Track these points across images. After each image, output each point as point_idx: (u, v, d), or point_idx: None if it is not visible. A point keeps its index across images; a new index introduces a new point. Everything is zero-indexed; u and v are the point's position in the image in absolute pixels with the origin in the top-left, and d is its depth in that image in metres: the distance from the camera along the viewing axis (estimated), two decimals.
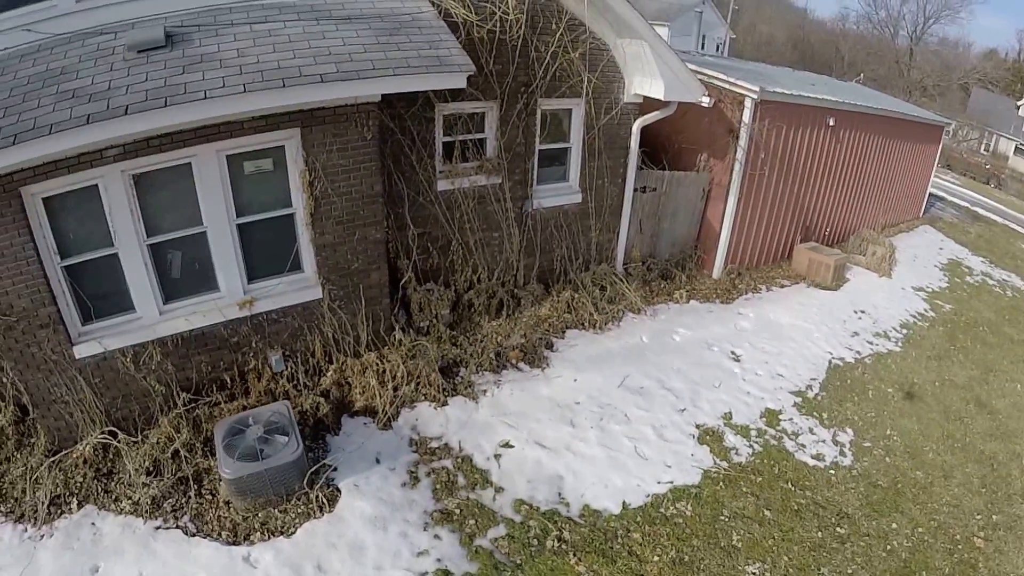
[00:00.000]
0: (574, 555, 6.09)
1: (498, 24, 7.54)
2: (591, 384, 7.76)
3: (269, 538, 6.20)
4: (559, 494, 6.46)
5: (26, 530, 6.87)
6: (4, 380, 7.68)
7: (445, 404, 7.42)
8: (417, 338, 7.89)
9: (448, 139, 8.14)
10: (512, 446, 6.86)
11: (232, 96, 5.92)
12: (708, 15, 50.56)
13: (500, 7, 7.48)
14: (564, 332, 8.68)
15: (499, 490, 6.43)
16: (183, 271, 7.18)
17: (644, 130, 9.64)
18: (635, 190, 9.99)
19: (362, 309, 7.61)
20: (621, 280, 9.70)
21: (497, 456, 6.76)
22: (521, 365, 8.04)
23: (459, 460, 6.76)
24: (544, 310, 8.88)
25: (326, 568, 5.86)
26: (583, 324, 8.93)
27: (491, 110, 8.10)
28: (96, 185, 6.39)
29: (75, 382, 7.16)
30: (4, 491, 7.32)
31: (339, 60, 6.32)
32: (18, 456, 7.55)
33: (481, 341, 8.26)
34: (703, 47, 49.33)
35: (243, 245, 7.07)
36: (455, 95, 7.52)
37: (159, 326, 7.08)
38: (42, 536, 6.75)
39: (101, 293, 7.03)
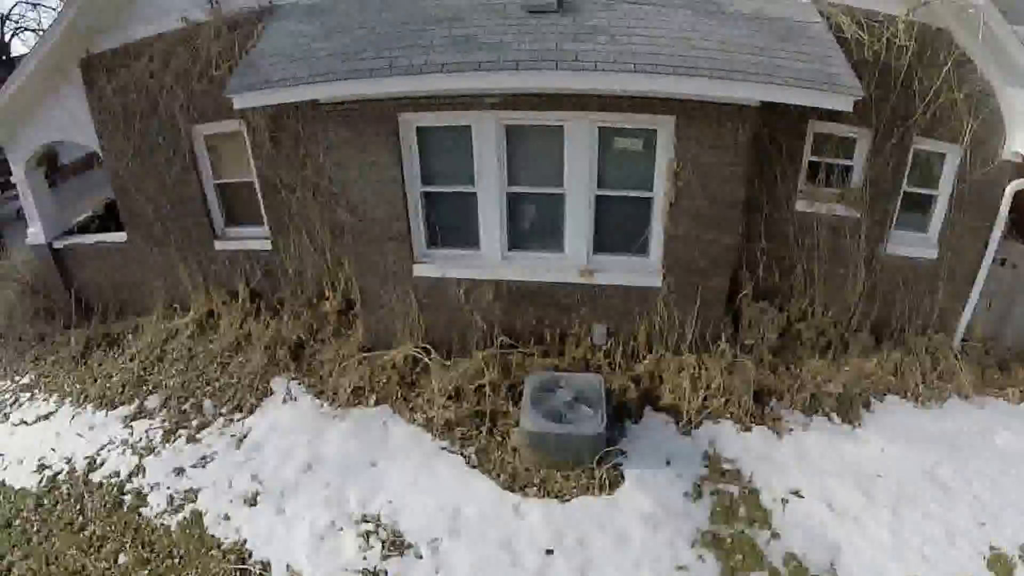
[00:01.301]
0: None
1: (883, 47, 6.92)
2: (898, 460, 6.85)
3: (543, 497, 6.25)
4: (832, 564, 5.79)
5: (322, 406, 7.65)
6: (340, 275, 8.61)
7: (748, 429, 7.02)
8: (739, 354, 7.53)
9: (814, 159, 7.63)
10: (802, 496, 6.35)
11: (620, 73, 5.96)
12: None
13: (889, 29, 6.86)
14: (884, 395, 7.79)
15: (775, 536, 5.96)
16: (533, 225, 7.46)
17: (1017, 194, 8.30)
18: (993, 260, 8.68)
19: (695, 310, 7.38)
20: (956, 357, 8.48)
21: (784, 501, 6.26)
22: (833, 416, 7.42)
23: (745, 491, 6.37)
24: (870, 365, 8.00)
25: (587, 545, 5.78)
26: (905, 392, 7.93)
27: (863, 138, 7.44)
28: (469, 127, 6.82)
29: (407, 296, 7.77)
30: (313, 367, 8.20)
31: (721, 57, 6.12)
32: (333, 342, 8.43)
33: (799, 377, 7.67)
34: None
35: (596, 216, 7.16)
36: (831, 115, 6.96)
37: (499, 269, 7.44)
38: (335, 417, 7.46)
39: (450, 225, 7.54)
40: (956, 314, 8.56)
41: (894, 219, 8.00)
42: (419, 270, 7.59)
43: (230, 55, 7.71)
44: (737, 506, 6.20)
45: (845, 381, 7.63)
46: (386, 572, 5.70)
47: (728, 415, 7.15)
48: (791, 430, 7.05)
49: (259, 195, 8.62)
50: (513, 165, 7.00)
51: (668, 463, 6.57)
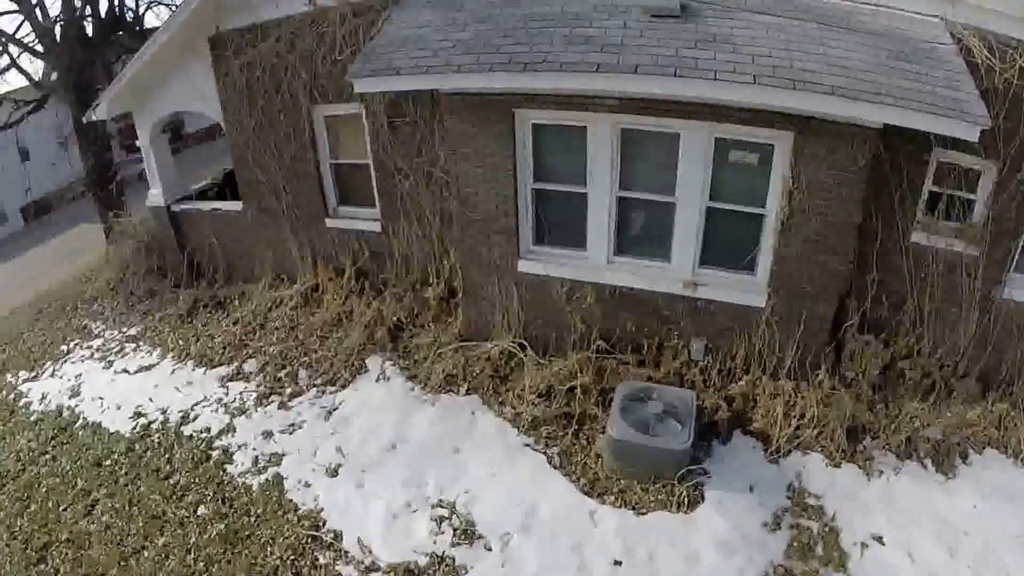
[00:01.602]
0: None
1: (1016, 76, 6.38)
2: (990, 520, 6.39)
3: (621, 506, 6.13)
4: None
5: (414, 389, 7.74)
6: (446, 263, 8.68)
7: (838, 466, 6.73)
8: (837, 386, 7.22)
9: (934, 189, 7.18)
10: (883, 543, 6.04)
11: (741, 84, 5.76)
12: None
13: (1021, 58, 6.33)
14: (984, 447, 7.26)
15: None
16: (641, 232, 7.32)
17: None
18: None
19: (797, 335, 7.09)
20: None
21: (864, 545, 5.96)
22: (927, 463, 6.99)
23: (826, 529, 6.10)
24: (973, 414, 7.50)
25: (656, 559, 5.65)
26: (1007, 449, 7.41)
27: (988, 171, 6.92)
28: (585, 127, 6.76)
29: (508, 290, 7.75)
30: (409, 350, 8.31)
31: (844, 74, 5.85)
32: (432, 328, 8.53)
33: (897, 418, 7.26)
34: None
35: (706, 228, 6.98)
36: (955, 144, 6.55)
37: (603, 272, 7.33)
38: (424, 401, 7.54)
39: (559, 224, 7.48)
40: None
41: (1015, 261, 7.46)
42: (523, 266, 7.58)
43: (354, 40, 7.91)
44: (815, 543, 5.97)
45: (944, 428, 7.22)
46: (454, 559, 5.69)
47: (819, 448, 6.88)
48: (881, 472, 6.74)
49: (373, 178, 8.81)
50: (626, 170, 6.91)
51: (751, 490, 6.36)
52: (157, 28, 10.16)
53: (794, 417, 6.95)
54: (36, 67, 17.81)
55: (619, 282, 7.30)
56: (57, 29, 15.76)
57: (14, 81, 17.92)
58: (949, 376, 7.77)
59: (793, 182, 6.43)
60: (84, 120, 10.80)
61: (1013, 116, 6.60)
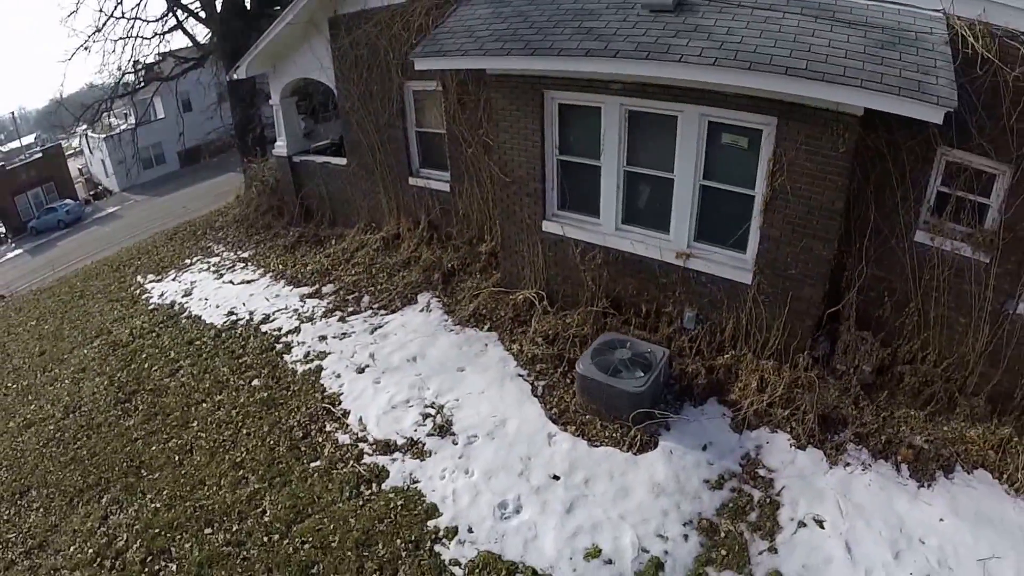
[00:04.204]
0: None
1: None
2: (955, 536, 5.99)
3: (578, 436, 6.92)
4: None
5: (446, 320, 9.17)
6: (498, 222, 9.86)
7: (802, 448, 6.79)
8: (824, 375, 7.43)
9: (944, 190, 7.08)
10: (823, 527, 5.99)
11: (702, 66, 6.41)
12: None
13: None
14: (974, 468, 7.00)
15: (772, 550, 5.76)
16: (645, 204, 8.16)
17: None
18: None
19: (783, 317, 7.51)
20: None
21: (802, 524, 5.96)
22: (903, 468, 6.70)
23: (767, 500, 6.19)
24: (972, 433, 7.17)
25: (590, 484, 6.34)
26: (1002, 475, 6.85)
27: (1003, 174, 6.66)
28: (599, 108, 7.71)
29: (535, 247, 8.88)
30: (454, 291, 9.73)
31: (813, 59, 6.18)
32: (478, 276, 9.90)
33: (883, 419, 7.17)
34: None
35: (700, 204, 7.66)
36: (963, 142, 6.51)
37: (611, 238, 8.27)
38: (451, 331, 8.88)
39: (577, 192, 8.48)
40: None
41: None
42: (547, 226, 8.67)
43: (431, 28, 9.34)
44: (751, 510, 6.10)
45: (934, 439, 6.95)
46: (424, 444, 7.00)
47: (788, 429, 6.95)
48: (848, 465, 6.64)
49: (446, 145, 10.28)
50: (632, 147, 7.78)
51: (704, 449, 6.69)
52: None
53: (768, 395, 7.19)
54: (199, 31, 21.07)
55: (624, 248, 8.18)
56: None
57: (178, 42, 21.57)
58: (955, 391, 7.45)
59: (775, 165, 6.91)
60: (228, 78, 13.20)
61: None
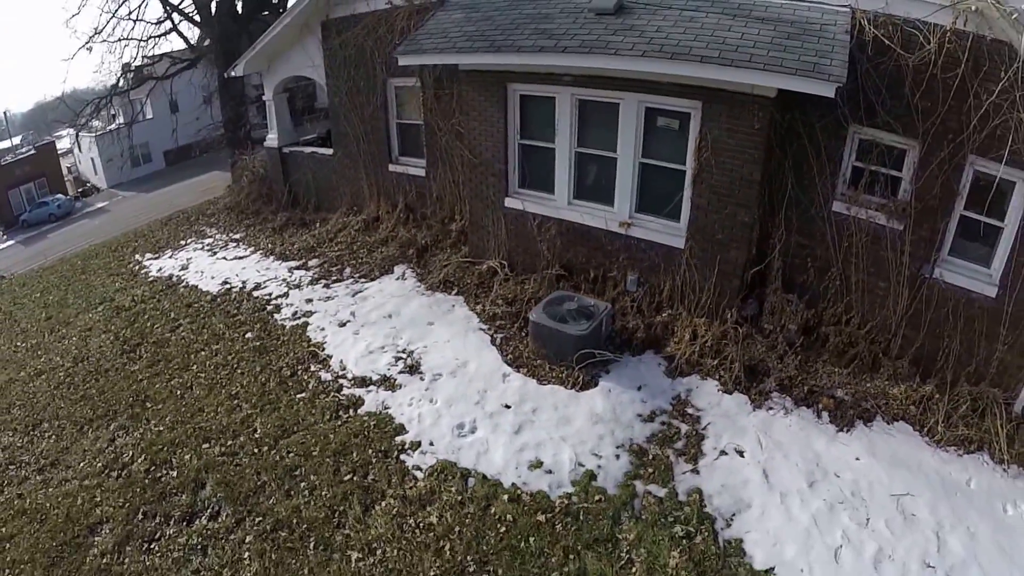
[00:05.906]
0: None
1: (931, 57, 6.83)
2: (870, 473, 6.39)
3: (529, 376, 7.87)
4: (731, 517, 6.02)
5: (419, 286, 10.20)
6: (467, 203, 10.88)
7: (729, 393, 7.53)
8: (752, 334, 8.25)
9: (859, 165, 7.90)
10: (742, 456, 6.61)
11: (630, 56, 7.52)
12: None
13: (934, 39, 6.75)
14: (895, 420, 7.15)
15: (694, 472, 6.47)
16: (593, 180, 9.23)
17: None
18: None
19: (713, 278, 8.45)
20: (1000, 416, 6.99)
21: (723, 452, 6.72)
22: (824, 415, 7.16)
23: (693, 432, 6.94)
24: (896, 391, 7.43)
25: (537, 413, 7.27)
26: (921, 426, 7.10)
27: (912, 149, 7.39)
28: (554, 98, 8.83)
29: (499, 221, 9.96)
30: (426, 263, 10.76)
31: (726, 49, 7.22)
32: (449, 250, 10.96)
33: (807, 371, 7.78)
34: None
35: (640, 180, 8.74)
36: (871, 120, 7.28)
37: (564, 211, 9.37)
38: (422, 294, 9.91)
39: (535, 171, 9.54)
40: (1019, 370, 7.20)
41: (946, 242, 7.52)
42: (509, 203, 9.76)
43: (412, 30, 10.47)
44: (677, 439, 6.87)
45: (857, 392, 7.38)
46: (395, 379, 8.07)
47: (718, 377, 7.70)
48: (771, 409, 7.20)
49: (423, 135, 11.42)
50: (582, 131, 8.90)
51: (639, 389, 7.56)
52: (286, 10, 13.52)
53: (699, 346, 8.08)
54: (192, 33, 22.31)
55: (575, 219, 9.27)
56: (213, 3, 19.79)
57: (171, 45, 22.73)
58: (879, 352, 7.93)
59: (702, 142, 7.92)
60: (225, 76, 14.37)
61: (930, 96, 6.92)
